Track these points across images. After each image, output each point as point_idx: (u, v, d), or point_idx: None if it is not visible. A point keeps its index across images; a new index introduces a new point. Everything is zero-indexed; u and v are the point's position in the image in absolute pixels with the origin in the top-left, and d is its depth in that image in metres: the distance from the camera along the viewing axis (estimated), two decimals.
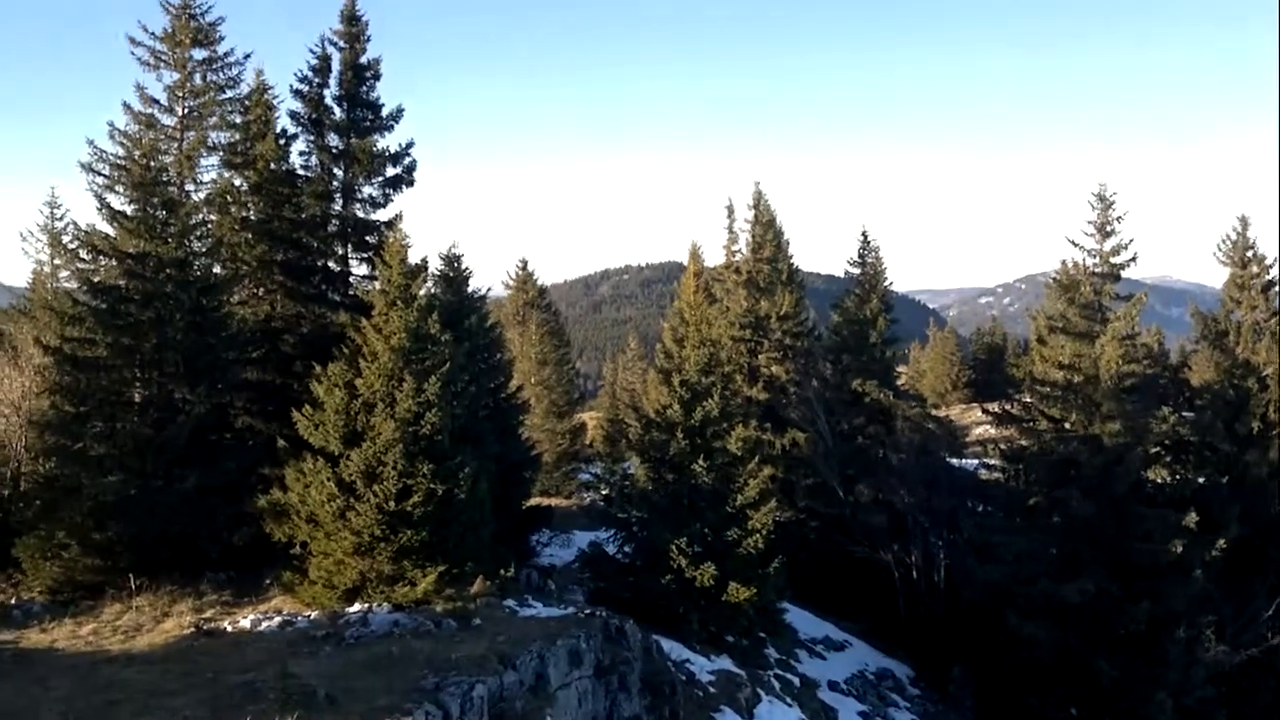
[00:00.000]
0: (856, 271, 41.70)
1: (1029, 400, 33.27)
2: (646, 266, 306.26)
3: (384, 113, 27.84)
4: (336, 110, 27.59)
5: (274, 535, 21.87)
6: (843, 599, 35.46)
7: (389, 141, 27.85)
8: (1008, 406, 35.87)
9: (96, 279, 23.69)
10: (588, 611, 22.00)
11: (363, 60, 27.63)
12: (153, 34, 26.41)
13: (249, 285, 26.82)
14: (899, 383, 44.14)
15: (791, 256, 43.88)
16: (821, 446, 36.92)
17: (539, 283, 56.21)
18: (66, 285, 29.17)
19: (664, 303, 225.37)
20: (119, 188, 24.89)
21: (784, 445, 37.87)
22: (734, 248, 42.88)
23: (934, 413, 49.08)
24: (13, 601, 20.74)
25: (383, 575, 20.92)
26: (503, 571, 22.09)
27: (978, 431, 58.00)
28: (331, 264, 27.60)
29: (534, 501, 34.60)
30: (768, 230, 42.17)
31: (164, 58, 26.58)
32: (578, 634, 19.74)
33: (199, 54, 26.68)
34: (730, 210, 42.73)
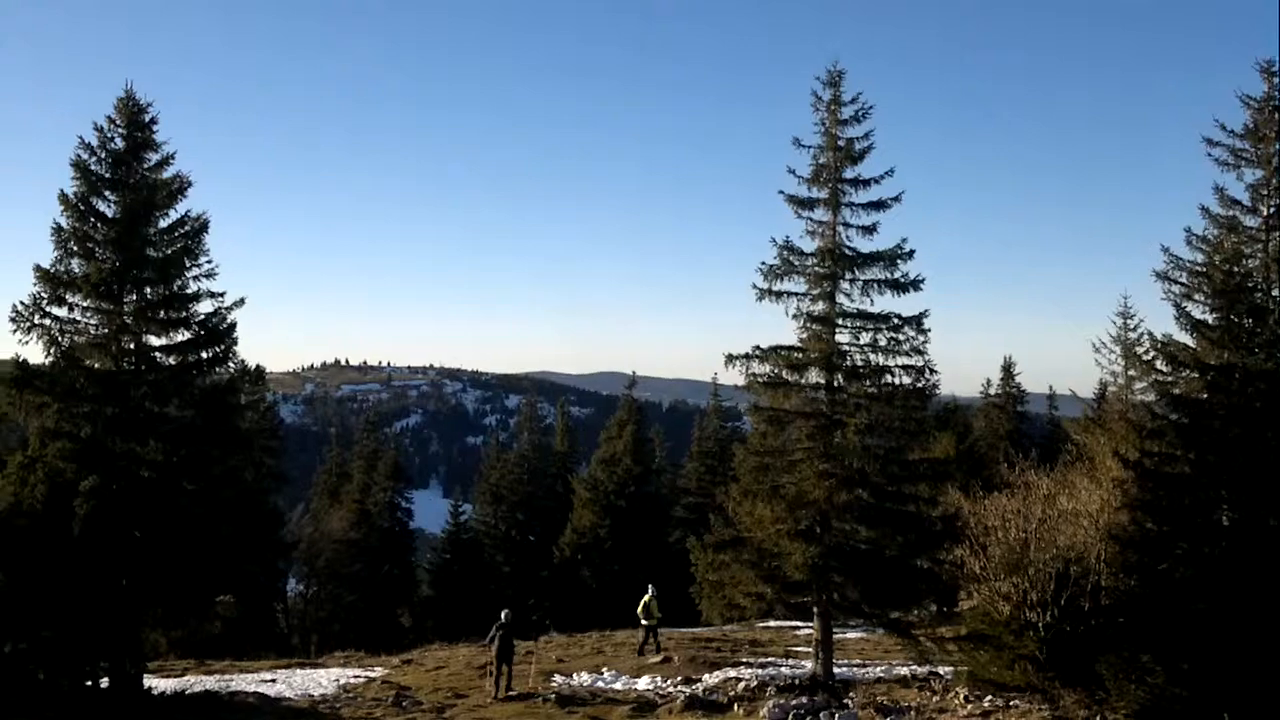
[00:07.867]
0: None
1: None
2: None
3: None
4: None
5: None
6: None
7: None
8: None
9: (1176, 391, 22.77)
10: None
11: None
12: (1231, 132, 25.01)
13: None
14: None
15: None
16: None
17: None
18: (1141, 397, 28.98)
19: None
20: (1198, 296, 23.84)
21: None
22: None
23: None
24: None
25: None
26: None
27: None
28: None
29: None
30: None
31: (1245, 155, 24.88)
32: None
33: None
34: None
